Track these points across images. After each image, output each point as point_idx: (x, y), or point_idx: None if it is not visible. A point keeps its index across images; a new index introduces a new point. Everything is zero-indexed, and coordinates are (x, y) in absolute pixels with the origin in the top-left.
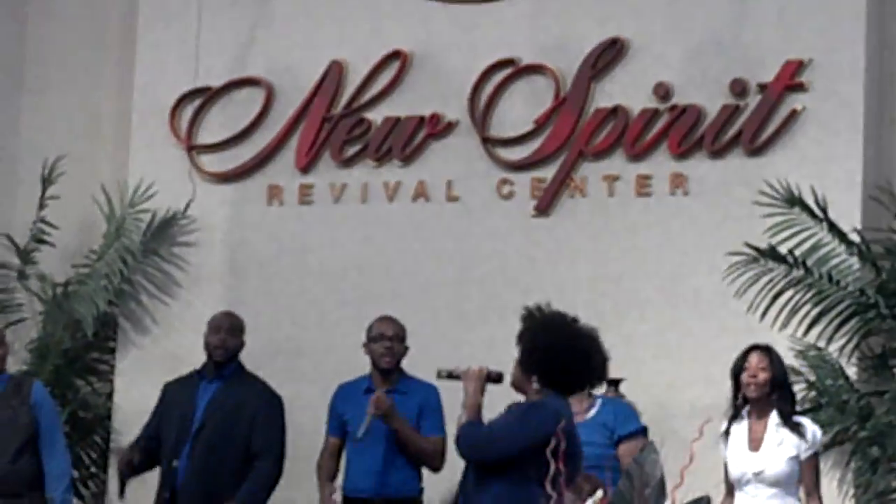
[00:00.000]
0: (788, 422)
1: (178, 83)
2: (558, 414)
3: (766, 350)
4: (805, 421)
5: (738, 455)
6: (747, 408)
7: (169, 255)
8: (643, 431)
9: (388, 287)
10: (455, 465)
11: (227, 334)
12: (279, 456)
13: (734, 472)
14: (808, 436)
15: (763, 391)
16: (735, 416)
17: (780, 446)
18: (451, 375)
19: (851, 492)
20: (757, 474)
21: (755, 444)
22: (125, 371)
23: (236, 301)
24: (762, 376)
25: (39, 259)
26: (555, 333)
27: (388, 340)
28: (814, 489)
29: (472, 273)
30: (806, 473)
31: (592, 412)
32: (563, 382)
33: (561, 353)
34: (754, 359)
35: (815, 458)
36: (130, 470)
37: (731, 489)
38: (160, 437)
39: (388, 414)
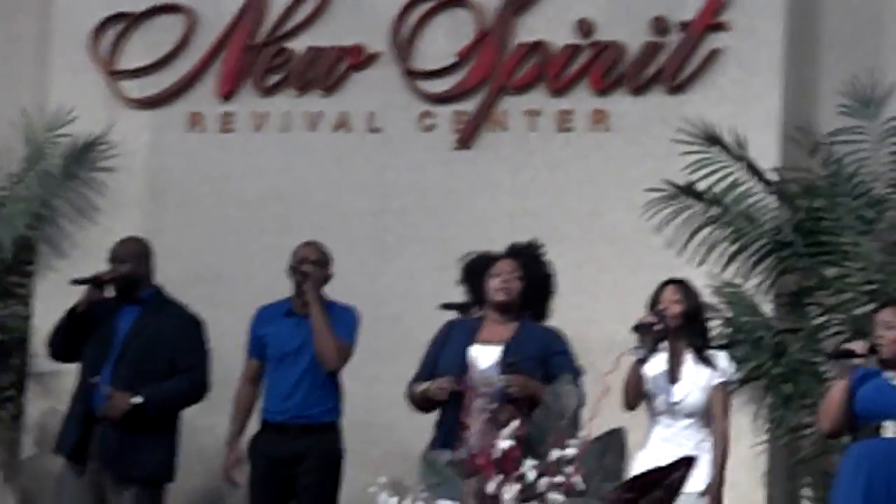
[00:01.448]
0: (702, 355)
1: (99, 8)
2: None
3: (681, 284)
4: (719, 353)
5: (654, 386)
6: (663, 341)
7: (89, 180)
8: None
9: (308, 216)
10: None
11: (132, 261)
12: (200, 376)
13: (651, 403)
14: (722, 367)
15: (677, 323)
16: (652, 349)
17: (696, 378)
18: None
19: (765, 427)
20: (673, 405)
21: (672, 375)
22: (43, 295)
23: (155, 227)
24: (675, 309)
25: None
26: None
27: (309, 265)
28: (722, 416)
29: (392, 204)
30: (714, 400)
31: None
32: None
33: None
34: (668, 292)
35: (724, 386)
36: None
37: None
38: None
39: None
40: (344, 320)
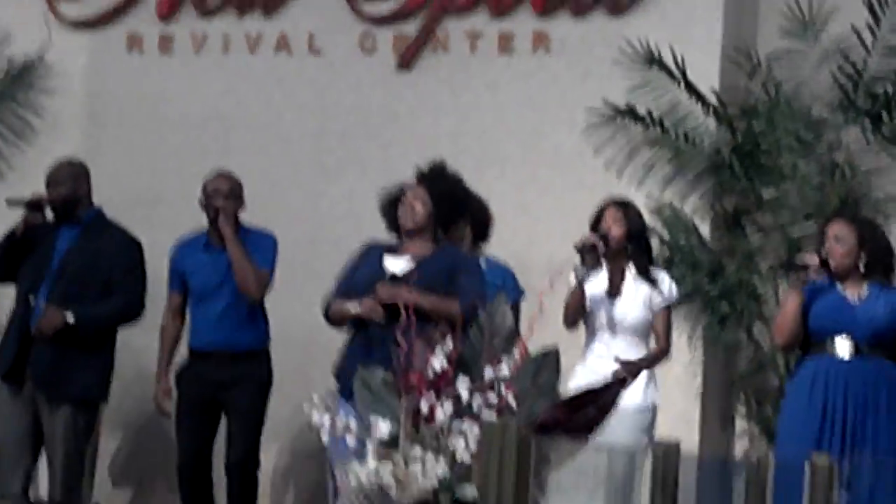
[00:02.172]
0: (645, 274)
1: None
2: None
3: (622, 205)
4: (662, 274)
5: (594, 304)
6: (604, 261)
7: (26, 102)
8: (520, 300)
9: (249, 139)
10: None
11: (68, 183)
12: (133, 297)
13: (591, 320)
14: (664, 288)
15: (621, 245)
16: (592, 267)
17: (636, 297)
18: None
19: (701, 345)
20: (612, 321)
21: (612, 293)
22: None
23: (94, 150)
24: (617, 230)
25: None
26: (462, 191)
27: (223, 197)
28: (664, 338)
29: (332, 126)
30: (658, 322)
31: None
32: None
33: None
34: (610, 213)
35: (667, 310)
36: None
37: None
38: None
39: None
40: (262, 248)
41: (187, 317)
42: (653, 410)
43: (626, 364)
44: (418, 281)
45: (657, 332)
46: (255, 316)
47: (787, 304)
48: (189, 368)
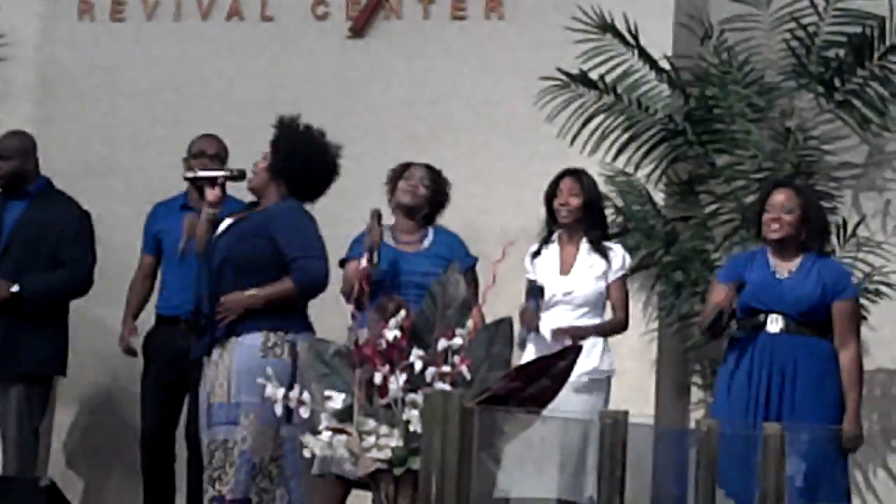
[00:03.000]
0: (598, 246)
1: None
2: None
3: (579, 175)
4: (615, 246)
5: (547, 277)
6: (558, 232)
7: None
8: (475, 264)
9: (202, 106)
10: None
11: (16, 157)
12: (82, 269)
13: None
14: (618, 259)
15: (575, 216)
16: (546, 240)
17: (590, 269)
18: (197, 178)
19: (655, 314)
20: (566, 295)
21: (565, 266)
22: None
23: (46, 119)
24: (574, 202)
25: None
26: (310, 146)
27: (208, 159)
28: (621, 308)
29: (285, 94)
30: (614, 293)
31: (426, 243)
32: (310, 191)
33: (315, 164)
34: (566, 184)
35: (622, 280)
36: None
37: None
38: None
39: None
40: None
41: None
42: (608, 379)
43: (564, 332)
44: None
45: (613, 303)
46: None
47: (712, 302)
48: (155, 335)
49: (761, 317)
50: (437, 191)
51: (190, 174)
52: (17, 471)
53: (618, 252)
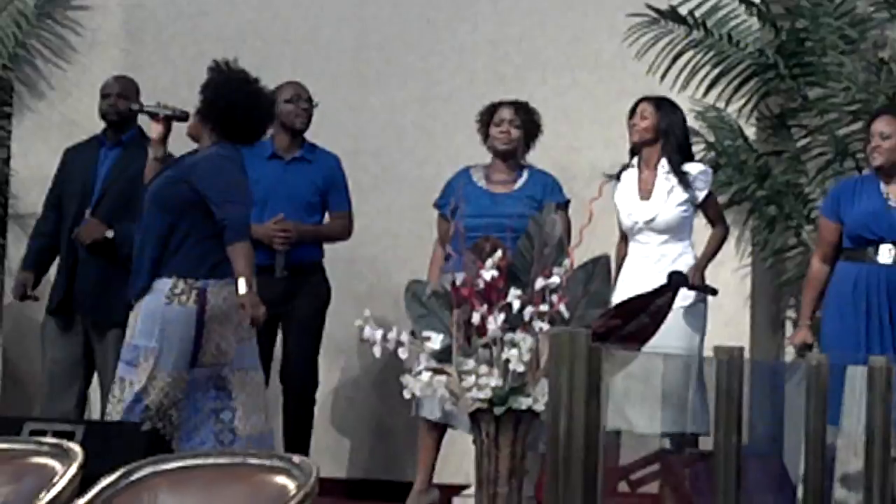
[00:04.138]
0: (676, 169)
1: None
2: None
3: (654, 100)
4: (691, 166)
5: (629, 204)
6: (637, 158)
7: (64, 19)
8: (567, 204)
9: (287, 52)
10: None
11: (117, 98)
12: None
13: (626, 222)
14: (698, 179)
15: (645, 137)
16: (627, 165)
17: (671, 194)
18: (141, 111)
19: (749, 250)
20: (648, 222)
21: (645, 192)
22: (22, 136)
23: (133, 66)
24: (643, 123)
25: None
26: (238, 89)
27: (305, 102)
28: (719, 218)
29: (371, 38)
30: (710, 210)
31: (520, 183)
32: (240, 134)
33: (242, 108)
34: (640, 107)
35: (711, 196)
36: (27, 296)
37: (624, 236)
38: (61, 209)
39: (296, 241)
40: (336, 180)
41: None
42: (703, 310)
43: (684, 274)
44: None
45: (712, 218)
46: None
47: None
48: None
49: (872, 246)
50: (529, 127)
51: (135, 106)
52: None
53: (695, 170)
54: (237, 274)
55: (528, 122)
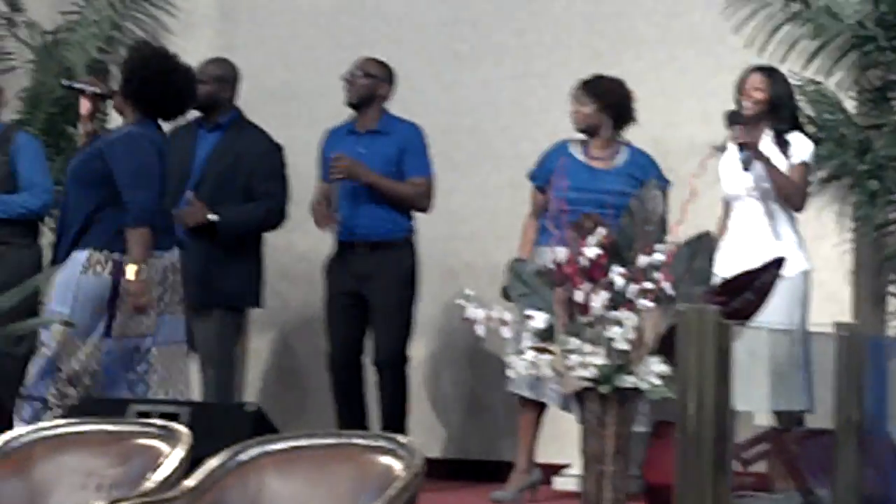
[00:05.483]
0: (780, 139)
1: None
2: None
3: (767, 70)
4: (794, 135)
5: (731, 173)
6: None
7: (159, 1)
8: (666, 186)
9: (381, 29)
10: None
11: (212, 83)
12: (277, 204)
13: (728, 190)
14: (797, 147)
15: (756, 110)
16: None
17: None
18: (70, 88)
19: (850, 225)
20: (749, 190)
21: (746, 163)
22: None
23: (228, 46)
24: (757, 95)
25: (28, 6)
26: (153, 66)
27: (356, 76)
28: (797, 190)
29: (465, 13)
30: (793, 175)
31: (619, 160)
32: (160, 112)
33: (157, 84)
34: (753, 79)
35: (803, 166)
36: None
37: (726, 210)
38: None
39: (352, 174)
40: (412, 146)
41: None
42: (805, 280)
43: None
44: None
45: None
46: None
47: None
48: (333, 259)
49: None
50: (605, 101)
51: (66, 82)
52: (217, 396)
53: (795, 139)
54: (130, 259)
55: (602, 98)
